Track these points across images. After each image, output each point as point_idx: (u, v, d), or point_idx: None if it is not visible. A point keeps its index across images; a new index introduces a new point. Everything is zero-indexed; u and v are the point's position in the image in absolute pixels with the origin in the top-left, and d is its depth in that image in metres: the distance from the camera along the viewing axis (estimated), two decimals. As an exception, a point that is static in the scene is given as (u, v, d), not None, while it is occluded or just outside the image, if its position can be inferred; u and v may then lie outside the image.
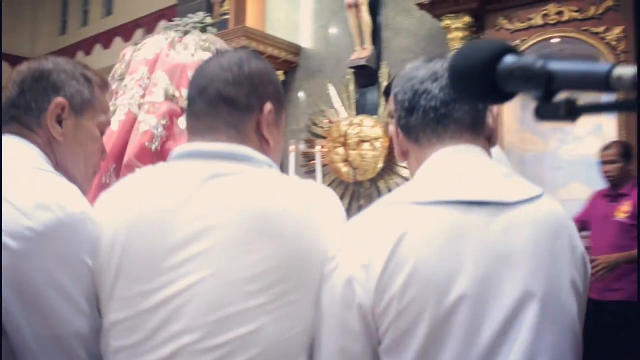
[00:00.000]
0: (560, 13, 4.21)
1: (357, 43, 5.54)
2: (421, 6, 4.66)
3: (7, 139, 1.19)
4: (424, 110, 1.15)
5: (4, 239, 1.00)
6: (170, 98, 1.72)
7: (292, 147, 5.61)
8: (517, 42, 4.36)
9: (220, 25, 6.00)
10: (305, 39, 6.25)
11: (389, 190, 5.00)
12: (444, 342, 0.99)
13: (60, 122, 1.25)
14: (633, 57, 3.95)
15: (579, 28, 4.14)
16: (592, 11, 4.09)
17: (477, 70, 0.65)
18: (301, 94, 6.24)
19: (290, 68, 6.23)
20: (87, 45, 9.12)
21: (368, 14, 5.44)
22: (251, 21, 6.11)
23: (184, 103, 1.66)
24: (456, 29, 4.55)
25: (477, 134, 1.18)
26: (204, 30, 6.14)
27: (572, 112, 0.54)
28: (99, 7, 9.30)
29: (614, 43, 4.00)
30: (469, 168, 1.11)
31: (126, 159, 1.61)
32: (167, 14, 7.51)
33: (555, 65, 0.56)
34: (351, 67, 5.54)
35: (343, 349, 1.03)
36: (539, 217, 1.09)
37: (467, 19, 4.51)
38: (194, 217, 1.04)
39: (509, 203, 1.07)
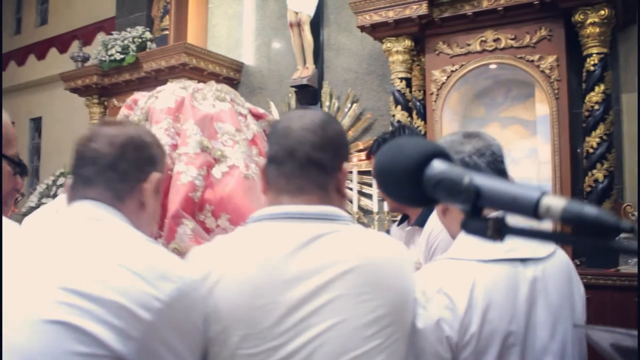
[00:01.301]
0: (497, 40, 4.30)
1: (299, 62, 5.53)
2: (362, 28, 4.67)
3: (101, 207, 1.22)
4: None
5: (137, 309, 1.06)
6: (204, 149, 1.77)
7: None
8: (456, 66, 4.43)
9: (160, 41, 5.90)
10: (247, 56, 6.19)
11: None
12: (504, 356, 1.34)
13: None
14: (565, 85, 4.07)
15: (515, 55, 4.23)
16: (527, 39, 4.19)
17: (402, 175, 0.62)
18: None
19: (231, 85, 6.14)
20: (20, 55, 8.75)
21: (310, 33, 5.43)
22: (192, 37, 6.02)
23: (215, 154, 1.75)
24: (397, 52, 4.58)
25: None
26: (143, 45, 6.05)
27: (499, 233, 0.51)
28: (33, 15, 8.95)
29: (547, 71, 4.11)
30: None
31: (173, 210, 1.61)
32: (106, 26, 7.33)
33: (484, 183, 0.54)
34: (293, 86, 5.51)
35: None
36: (559, 267, 1.47)
37: (407, 43, 4.55)
38: (311, 272, 1.17)
39: (541, 258, 1.43)
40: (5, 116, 1.42)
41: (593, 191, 3.92)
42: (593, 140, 3.92)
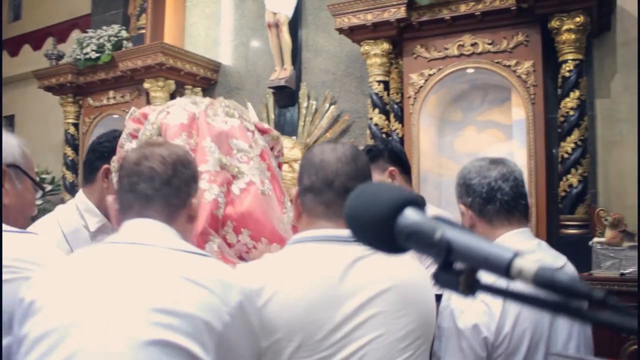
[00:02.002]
0: (474, 44, 4.31)
1: (276, 63, 5.50)
2: (340, 31, 4.66)
3: (159, 225, 1.32)
4: (500, 202, 1.73)
5: (212, 321, 1.18)
6: (223, 166, 1.83)
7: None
8: (434, 70, 4.44)
9: (137, 40, 5.83)
10: (225, 56, 6.14)
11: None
12: (531, 354, 1.61)
13: None
14: (541, 90, 4.10)
15: (492, 60, 4.26)
16: (504, 44, 4.22)
17: (374, 224, 0.61)
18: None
19: (209, 85, 6.10)
20: (-9, 51, 8.58)
21: (288, 33, 5.41)
22: (169, 36, 5.95)
23: (233, 170, 1.82)
24: (375, 55, 4.58)
25: (527, 220, 1.82)
26: (118, 44, 5.97)
27: (470, 289, 0.50)
28: (6, 10, 8.77)
29: (523, 76, 4.14)
30: (530, 244, 1.77)
31: (200, 227, 1.65)
32: (81, 24, 7.20)
33: (456, 238, 0.53)
34: (270, 87, 5.48)
35: None
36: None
37: (385, 46, 4.55)
38: (356, 290, 1.34)
39: (560, 268, 1.72)
40: (24, 142, 1.51)
41: (567, 196, 3.96)
42: (568, 145, 3.96)
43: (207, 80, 6.03)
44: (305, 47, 5.63)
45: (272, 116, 5.69)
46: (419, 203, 0.61)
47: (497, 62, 4.23)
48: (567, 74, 3.96)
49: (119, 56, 5.73)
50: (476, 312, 1.57)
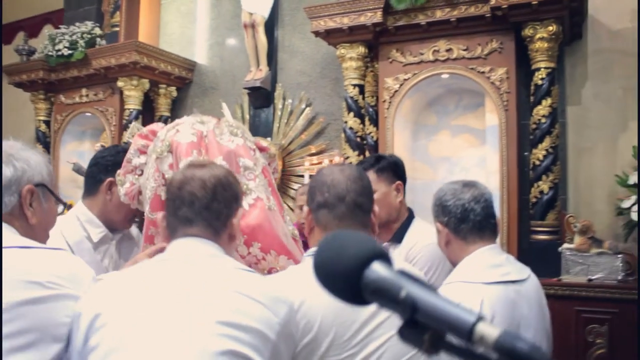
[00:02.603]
0: (449, 50, 4.35)
1: (252, 63, 5.47)
2: (316, 34, 4.66)
3: (208, 243, 1.44)
4: (473, 222, 1.95)
5: (267, 331, 1.31)
6: None
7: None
8: (409, 75, 4.46)
9: (111, 38, 5.76)
10: (200, 55, 6.10)
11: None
12: None
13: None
14: (514, 97, 4.15)
15: (466, 66, 4.29)
16: (478, 51, 4.26)
17: (340, 276, 0.61)
18: (194, 111, 6.06)
19: (183, 84, 6.05)
20: (-39, 44, 8.39)
21: (264, 34, 5.39)
22: (144, 34, 5.89)
23: (242, 187, 1.89)
24: (350, 59, 4.59)
25: (496, 236, 2.05)
26: (92, 41, 5.87)
27: (434, 348, 0.51)
28: (-25, 2, 8.59)
29: (497, 83, 4.18)
30: (499, 259, 1.98)
31: None
32: (53, 19, 7.09)
33: (421, 298, 0.53)
34: (246, 88, 5.46)
35: None
36: (535, 287, 2.05)
37: (361, 50, 4.56)
38: None
39: (524, 279, 1.98)
40: (48, 159, 1.56)
41: (538, 202, 4.02)
42: (539, 152, 4.01)
43: (182, 79, 5.98)
44: (281, 48, 5.61)
45: (247, 117, 5.68)
46: (386, 256, 0.61)
47: (472, 68, 4.27)
48: (540, 82, 4.01)
49: (92, 54, 5.65)
50: None
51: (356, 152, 4.62)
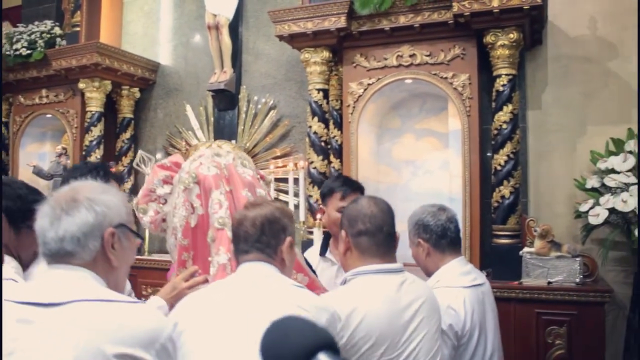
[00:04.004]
0: (413, 55, 4.37)
1: (216, 65, 5.43)
2: (280, 38, 4.64)
3: (264, 264, 1.80)
4: (450, 238, 2.39)
5: None
6: None
7: (147, 171, 5.40)
8: (373, 80, 4.48)
9: (71, 38, 5.65)
10: (164, 56, 6.03)
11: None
12: (481, 340, 2.36)
13: None
14: (476, 103, 4.20)
15: (429, 71, 4.33)
16: (441, 56, 4.29)
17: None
18: (158, 113, 6.00)
19: (147, 85, 5.97)
20: None
21: (228, 36, 5.34)
22: (105, 34, 5.80)
23: None
24: (315, 63, 4.59)
25: (461, 250, 2.55)
26: (52, 41, 5.73)
27: None
28: None
29: (460, 89, 4.23)
30: (467, 267, 2.47)
31: None
32: (10, 16, 6.90)
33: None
34: (210, 90, 5.41)
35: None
36: (490, 290, 2.54)
37: (325, 54, 4.56)
38: (408, 303, 1.97)
39: (484, 283, 2.48)
40: (125, 197, 1.65)
41: (500, 207, 4.08)
42: (501, 157, 4.07)
43: (145, 80, 5.90)
44: (246, 50, 5.58)
45: (211, 119, 5.64)
46: (334, 347, 0.61)
47: (435, 74, 4.31)
48: (501, 89, 4.07)
49: (52, 54, 5.53)
50: (449, 315, 2.24)
51: (320, 157, 4.62)
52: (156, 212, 2.32)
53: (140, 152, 5.24)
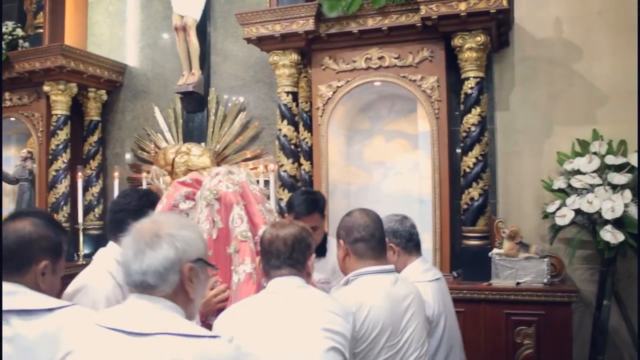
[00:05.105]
0: (381, 58, 4.38)
1: (184, 67, 5.36)
2: (248, 40, 4.60)
3: (295, 278, 2.02)
4: (414, 241, 2.75)
5: (347, 335, 1.94)
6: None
7: (115, 174, 5.33)
8: (342, 82, 4.47)
9: (34, 40, 5.54)
10: (131, 57, 5.94)
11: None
12: (448, 322, 2.73)
13: None
14: (445, 105, 4.23)
15: (398, 74, 4.34)
16: (410, 59, 4.30)
17: None
18: (126, 115, 5.92)
19: (114, 87, 5.88)
20: None
21: (196, 37, 5.28)
22: (70, 34, 5.69)
23: None
24: (283, 66, 4.56)
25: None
26: (14, 43, 5.59)
27: None
28: None
29: (428, 91, 4.24)
30: (428, 265, 2.84)
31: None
32: (-29, 16, 6.72)
33: None
34: (178, 92, 5.35)
35: None
36: (445, 282, 2.91)
37: (294, 57, 4.54)
38: (403, 297, 2.25)
39: (441, 278, 2.85)
40: (203, 231, 2.03)
41: (469, 208, 4.11)
42: (470, 160, 4.10)
43: (112, 82, 5.81)
44: (214, 51, 5.53)
45: (180, 121, 5.58)
46: None
47: (403, 77, 4.32)
48: (469, 91, 4.09)
49: (14, 57, 5.40)
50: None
51: (290, 160, 4.61)
52: None
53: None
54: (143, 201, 2.45)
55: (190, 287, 1.57)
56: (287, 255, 2.02)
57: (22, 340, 1.62)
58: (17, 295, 1.70)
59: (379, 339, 2.12)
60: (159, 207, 2.54)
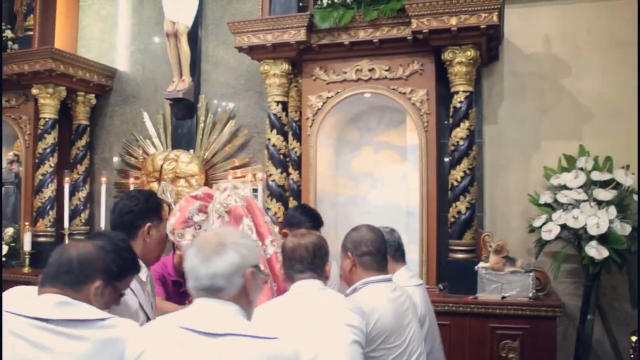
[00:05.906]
0: (372, 70, 4.40)
1: (175, 73, 5.35)
2: (240, 49, 4.60)
3: (316, 281, 2.23)
4: (401, 251, 3.01)
5: (364, 329, 2.18)
6: (274, 234, 2.85)
7: (102, 179, 5.31)
8: (332, 93, 4.49)
9: (24, 42, 5.50)
10: (121, 62, 5.92)
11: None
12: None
13: None
14: (434, 119, 4.25)
15: (388, 86, 4.36)
16: (400, 71, 4.33)
17: None
18: (114, 120, 5.89)
19: (103, 92, 5.86)
20: None
21: (187, 44, 5.28)
22: (60, 37, 5.67)
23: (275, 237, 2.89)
24: (274, 75, 4.57)
25: None
26: (3, 45, 5.55)
27: None
28: None
29: (418, 104, 4.27)
30: (411, 272, 3.07)
31: (280, 275, 2.47)
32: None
33: None
34: (168, 99, 5.34)
35: None
36: (424, 287, 3.18)
37: (285, 66, 4.55)
38: (402, 302, 2.46)
39: (422, 283, 3.10)
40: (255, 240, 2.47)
41: (456, 222, 4.13)
42: (457, 173, 4.12)
43: (102, 86, 5.79)
44: (205, 58, 5.52)
45: (169, 127, 5.56)
46: None
47: (393, 89, 4.34)
48: (458, 105, 4.12)
49: (3, 59, 5.36)
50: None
51: (279, 170, 4.61)
52: (193, 237, 2.74)
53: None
54: (150, 203, 2.52)
55: (251, 289, 1.73)
56: (309, 261, 2.25)
57: (82, 346, 1.67)
58: (72, 305, 1.76)
59: (388, 339, 2.35)
60: (172, 219, 2.75)
